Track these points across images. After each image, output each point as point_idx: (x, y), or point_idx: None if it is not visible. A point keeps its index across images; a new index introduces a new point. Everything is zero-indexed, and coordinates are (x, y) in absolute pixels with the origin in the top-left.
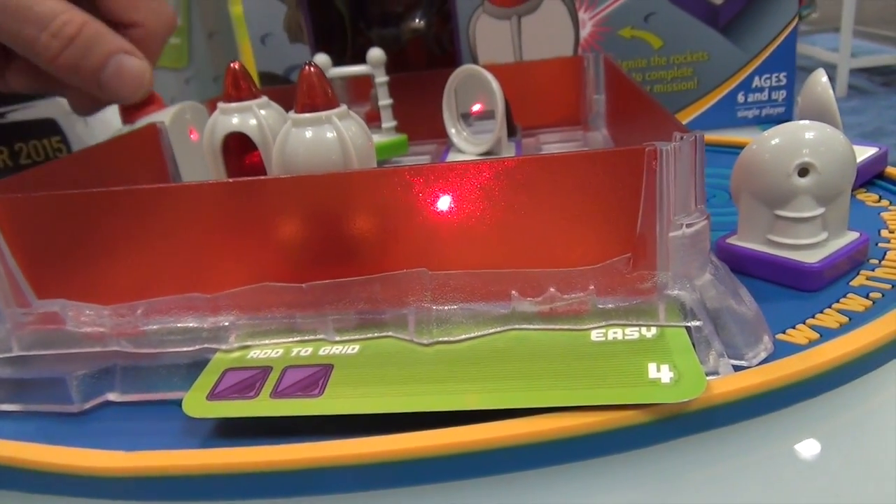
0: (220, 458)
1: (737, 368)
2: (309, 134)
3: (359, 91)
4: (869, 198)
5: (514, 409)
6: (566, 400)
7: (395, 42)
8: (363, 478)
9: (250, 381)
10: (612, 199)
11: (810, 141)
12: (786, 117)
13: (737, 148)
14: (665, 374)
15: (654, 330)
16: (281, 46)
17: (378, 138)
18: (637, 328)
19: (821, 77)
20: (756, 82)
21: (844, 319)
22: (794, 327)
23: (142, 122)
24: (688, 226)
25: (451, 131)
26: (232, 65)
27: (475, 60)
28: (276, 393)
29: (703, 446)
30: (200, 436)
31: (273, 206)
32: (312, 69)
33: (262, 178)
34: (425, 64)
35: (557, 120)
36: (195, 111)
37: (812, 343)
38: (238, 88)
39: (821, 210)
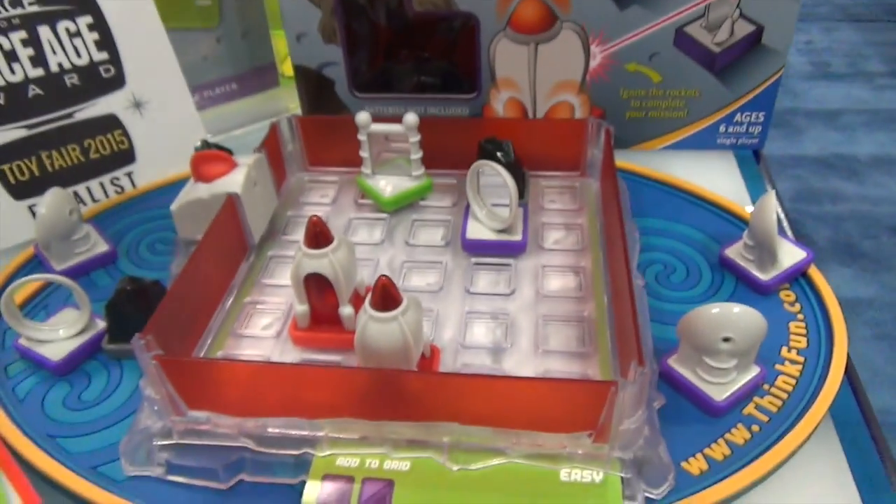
0: None
1: (650, 499)
2: (386, 328)
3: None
4: (788, 297)
5: None
6: None
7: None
8: None
9: (344, 493)
10: (584, 400)
11: (733, 321)
12: (758, 147)
13: (704, 200)
14: None
15: (601, 475)
16: (315, 45)
17: (410, 183)
18: (591, 473)
19: (770, 203)
20: (737, 117)
21: (728, 452)
22: (693, 456)
23: (218, 185)
24: (634, 421)
25: (475, 207)
26: (312, 220)
27: (493, 77)
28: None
29: None
30: None
31: (356, 381)
32: (385, 279)
33: (353, 369)
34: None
35: (560, 165)
36: (259, 167)
37: (702, 473)
38: (317, 241)
39: (734, 362)
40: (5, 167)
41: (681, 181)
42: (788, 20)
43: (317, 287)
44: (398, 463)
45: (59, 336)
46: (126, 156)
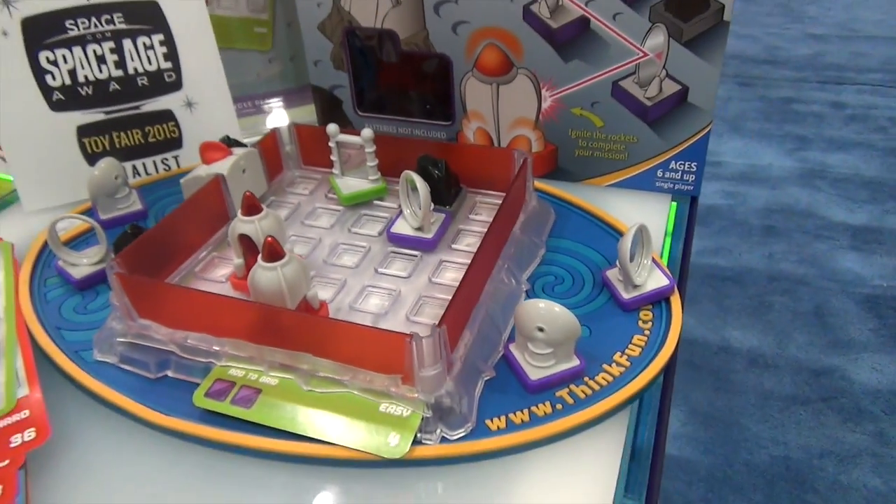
0: (205, 431)
1: (446, 438)
2: (268, 274)
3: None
4: (646, 316)
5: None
6: (348, 441)
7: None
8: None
9: (225, 390)
10: (392, 347)
11: (548, 315)
12: (694, 193)
13: (616, 231)
14: (394, 440)
15: (409, 412)
16: (328, 70)
17: (367, 185)
18: (402, 409)
19: (628, 235)
20: (673, 165)
21: (527, 419)
22: (498, 417)
23: (213, 167)
24: (433, 370)
25: (403, 208)
26: (246, 194)
27: (464, 108)
28: (234, 401)
29: (403, 477)
30: (199, 412)
31: (245, 312)
32: (271, 239)
33: (244, 301)
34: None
35: (495, 186)
36: (249, 158)
37: (497, 430)
38: (249, 211)
39: (550, 350)
40: (86, 140)
41: (603, 213)
42: (710, 83)
43: (250, 247)
44: (270, 379)
45: (83, 262)
46: (175, 142)
